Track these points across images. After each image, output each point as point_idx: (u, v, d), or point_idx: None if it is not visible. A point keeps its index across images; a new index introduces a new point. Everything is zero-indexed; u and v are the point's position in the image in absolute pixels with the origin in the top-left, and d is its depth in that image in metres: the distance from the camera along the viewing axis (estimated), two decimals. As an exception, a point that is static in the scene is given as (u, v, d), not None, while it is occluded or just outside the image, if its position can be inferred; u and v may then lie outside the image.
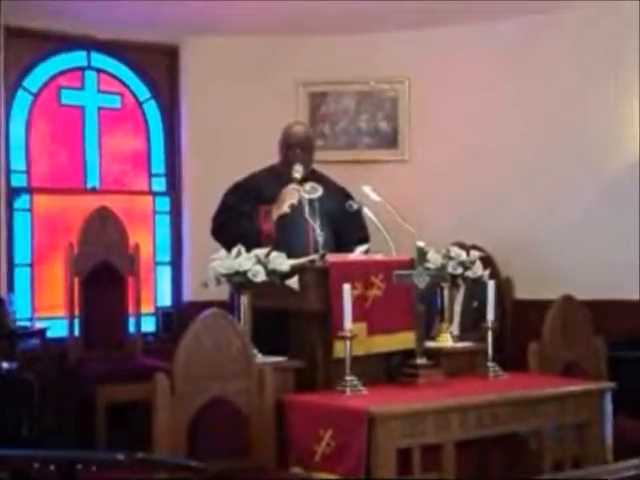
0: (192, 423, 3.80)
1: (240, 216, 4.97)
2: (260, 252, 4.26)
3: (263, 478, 3.92)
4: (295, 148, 5.17)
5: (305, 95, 7.06)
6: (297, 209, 4.93)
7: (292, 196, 4.93)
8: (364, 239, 5.16)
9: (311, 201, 4.89)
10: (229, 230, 4.70)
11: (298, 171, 5.03)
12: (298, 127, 5.38)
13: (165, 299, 7.10)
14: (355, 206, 4.90)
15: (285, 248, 4.50)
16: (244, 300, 4.24)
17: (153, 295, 7.03)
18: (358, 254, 4.70)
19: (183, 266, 7.09)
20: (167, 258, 7.13)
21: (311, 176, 5.14)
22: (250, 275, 4.18)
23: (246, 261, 4.19)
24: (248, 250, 4.29)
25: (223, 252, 4.27)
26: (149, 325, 6.90)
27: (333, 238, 5.07)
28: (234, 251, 4.25)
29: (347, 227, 5.16)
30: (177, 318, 6.93)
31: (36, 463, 2.11)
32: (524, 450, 4.42)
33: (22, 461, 2.30)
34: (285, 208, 4.92)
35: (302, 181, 4.99)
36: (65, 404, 6.12)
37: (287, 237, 4.73)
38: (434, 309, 5.02)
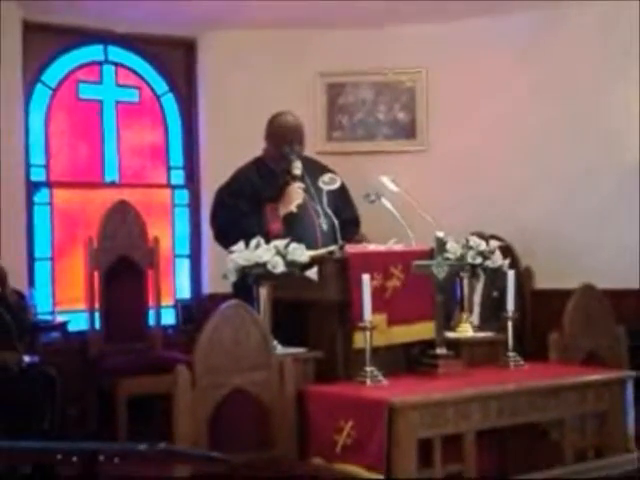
0: (213, 415, 3.81)
1: (241, 216, 4.84)
2: (279, 243, 4.25)
3: (284, 469, 3.92)
4: (294, 144, 5.01)
5: (323, 86, 7.05)
6: (303, 206, 4.91)
7: (298, 195, 4.90)
8: (354, 218, 5.14)
9: (327, 192, 4.86)
10: (234, 232, 4.55)
11: (298, 167, 4.95)
12: (290, 118, 5.11)
13: (184, 292, 7.12)
14: (373, 197, 4.88)
15: (297, 238, 4.49)
16: (263, 291, 4.23)
17: (172, 288, 7.05)
18: (378, 246, 4.68)
19: (202, 259, 7.10)
20: (186, 251, 7.14)
21: (304, 163, 5.04)
22: (270, 266, 4.17)
23: (265, 252, 4.19)
24: None
25: (242, 244, 4.27)
26: (169, 318, 6.92)
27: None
28: (253, 242, 4.25)
29: (341, 209, 5.05)
30: (196, 310, 6.96)
31: (59, 455, 2.11)
32: (545, 440, 4.41)
33: (45, 453, 2.30)
34: (292, 208, 4.88)
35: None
36: (86, 397, 6.16)
37: (295, 234, 4.68)
38: (453, 299, 5.01)
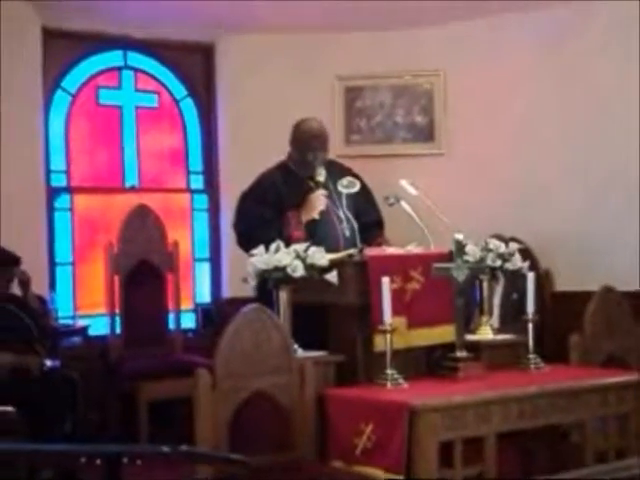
0: (233, 418, 3.82)
1: (265, 223, 4.83)
2: (299, 247, 4.27)
3: (304, 472, 3.92)
4: (318, 151, 5.00)
5: (341, 90, 7.06)
6: (326, 213, 4.93)
7: (321, 202, 4.90)
8: (378, 221, 5.15)
9: (347, 195, 4.88)
10: (256, 239, 4.51)
11: (322, 174, 4.96)
12: (314, 124, 5.11)
13: (204, 295, 7.15)
14: (392, 200, 4.88)
15: (320, 242, 4.51)
16: (283, 295, 4.24)
17: (192, 292, 7.08)
18: (398, 249, 4.69)
19: (221, 262, 7.13)
20: (205, 255, 7.17)
21: (327, 166, 5.06)
22: (289, 270, 4.19)
23: (285, 256, 4.20)
24: None
25: (262, 248, 4.29)
26: (188, 321, 6.95)
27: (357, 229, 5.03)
28: (273, 246, 4.26)
29: (363, 212, 5.09)
30: (216, 314, 6.97)
31: (83, 457, 2.13)
32: (566, 442, 4.41)
33: (68, 456, 2.32)
34: (315, 215, 4.88)
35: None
36: (107, 401, 6.18)
37: (317, 241, 4.68)
38: (473, 302, 5.01)
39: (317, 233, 4.85)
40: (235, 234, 5.05)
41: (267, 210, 4.89)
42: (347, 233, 4.91)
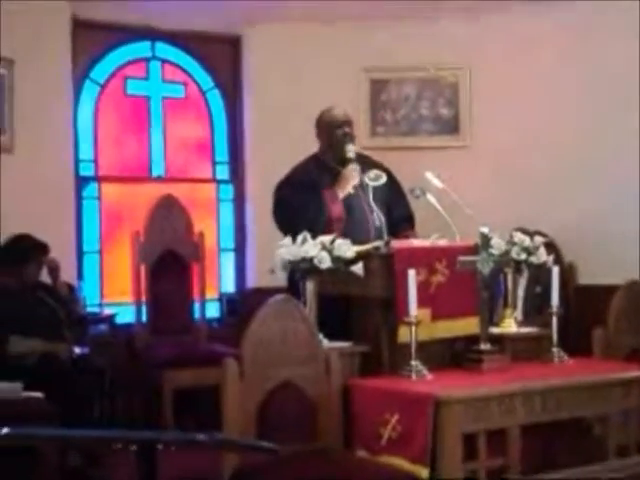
0: (260, 408, 3.86)
1: (304, 206, 4.88)
2: (325, 239, 4.30)
3: (330, 461, 3.96)
4: (344, 127, 5.06)
5: (366, 82, 7.10)
6: (358, 191, 4.98)
7: (354, 176, 4.95)
8: (409, 216, 5.19)
9: (374, 188, 4.93)
10: (298, 223, 4.62)
11: (351, 150, 5.00)
12: (337, 109, 5.19)
13: (229, 285, 7.20)
14: (418, 192, 4.91)
15: (351, 231, 4.58)
16: (310, 286, 4.29)
17: (217, 282, 7.13)
18: (422, 241, 4.72)
19: (247, 253, 7.18)
20: (231, 245, 7.22)
21: (358, 158, 5.10)
22: (316, 262, 4.22)
23: (312, 248, 4.24)
24: (321, 234, 4.37)
25: (289, 239, 4.33)
26: (213, 311, 7.00)
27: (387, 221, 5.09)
28: (300, 238, 4.30)
29: (394, 206, 5.15)
30: (241, 304, 7.03)
31: (118, 443, 2.18)
32: (588, 435, 4.43)
33: (104, 441, 2.38)
34: (350, 189, 4.93)
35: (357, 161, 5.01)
36: (134, 389, 6.24)
37: (352, 220, 4.76)
38: (497, 295, 5.03)
39: (350, 211, 4.89)
40: (276, 223, 5.04)
41: (304, 194, 4.92)
42: (377, 223, 4.96)
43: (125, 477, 4.56)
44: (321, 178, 5.00)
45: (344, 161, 4.99)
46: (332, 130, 5.08)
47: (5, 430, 2.19)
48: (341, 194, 4.92)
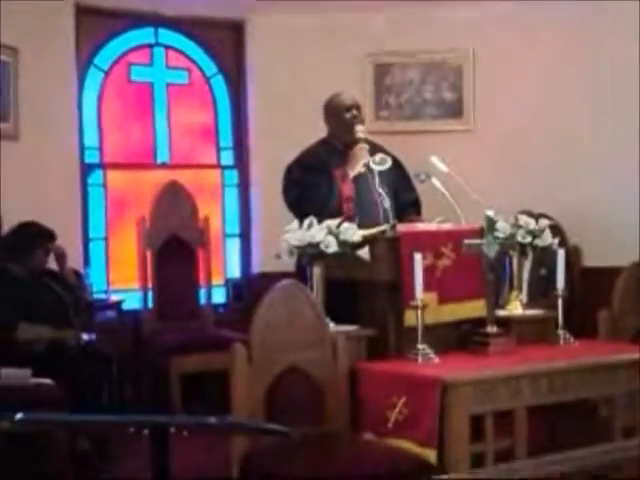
0: (268, 392, 3.88)
1: (314, 186, 4.94)
2: (332, 223, 4.32)
3: (337, 444, 3.99)
4: (352, 109, 5.10)
5: (370, 66, 7.09)
6: (367, 172, 5.00)
7: (364, 154, 4.98)
8: (415, 201, 5.22)
9: (380, 172, 4.95)
10: (309, 203, 4.70)
11: (361, 131, 5.03)
12: (345, 94, 5.24)
13: (234, 271, 7.22)
14: (423, 176, 4.93)
15: (361, 212, 4.64)
16: (317, 271, 4.30)
17: (223, 267, 7.15)
18: (432, 225, 4.74)
19: (252, 238, 7.19)
20: (236, 230, 7.24)
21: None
22: (322, 246, 4.24)
23: (318, 232, 4.26)
24: (331, 215, 4.39)
25: (295, 224, 4.35)
26: (219, 296, 7.03)
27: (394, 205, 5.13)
28: (306, 223, 4.32)
29: (400, 191, 5.18)
30: (246, 289, 7.06)
31: (131, 427, 2.20)
32: (594, 417, 4.46)
33: (117, 426, 2.40)
34: (360, 167, 4.96)
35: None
36: (140, 374, 6.28)
37: (362, 201, 4.81)
38: (503, 278, 5.05)
39: (359, 192, 4.92)
40: (287, 205, 5.06)
41: (314, 174, 4.97)
42: (386, 205, 4.98)
43: (134, 461, 4.60)
44: (330, 159, 5.03)
45: (353, 144, 5.02)
46: (341, 113, 5.11)
47: (19, 415, 2.22)
48: (351, 173, 4.95)
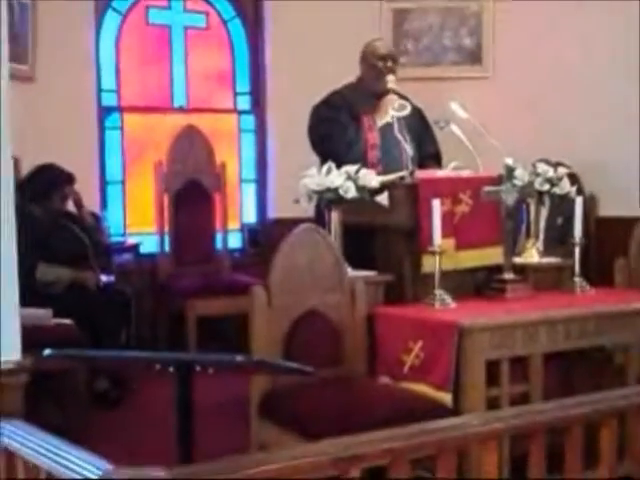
0: (287, 335, 3.91)
1: (341, 126, 4.93)
2: (350, 169, 4.32)
3: (354, 387, 4.02)
4: (387, 60, 5.12)
5: (389, 12, 7.04)
6: (394, 121, 4.99)
7: (393, 106, 4.98)
8: (436, 154, 5.22)
9: (399, 118, 4.95)
10: (334, 142, 4.69)
11: (392, 81, 5.04)
12: (381, 42, 5.32)
13: (250, 216, 7.24)
14: (443, 124, 4.92)
15: (386, 160, 4.62)
16: (335, 216, 4.31)
17: (239, 212, 7.17)
18: (448, 171, 4.75)
19: (268, 184, 7.20)
20: (252, 176, 7.24)
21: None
22: (341, 191, 4.24)
23: (337, 178, 4.25)
24: (354, 160, 4.39)
25: (314, 169, 4.35)
26: (235, 241, 7.06)
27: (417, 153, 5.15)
28: (324, 168, 4.32)
29: (422, 142, 5.19)
30: (262, 235, 7.08)
31: (157, 364, 2.24)
32: (609, 364, 4.48)
33: (143, 362, 2.44)
34: (389, 118, 4.97)
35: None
36: (157, 317, 6.34)
37: (388, 149, 4.82)
38: (520, 225, 5.06)
39: (385, 145, 4.92)
40: (312, 144, 5.04)
41: (341, 114, 4.97)
42: (410, 153, 4.99)
43: (152, 400, 4.66)
44: (358, 105, 5.02)
45: (382, 94, 5.01)
46: (374, 60, 5.11)
47: (47, 351, 2.26)
48: (379, 122, 4.95)
